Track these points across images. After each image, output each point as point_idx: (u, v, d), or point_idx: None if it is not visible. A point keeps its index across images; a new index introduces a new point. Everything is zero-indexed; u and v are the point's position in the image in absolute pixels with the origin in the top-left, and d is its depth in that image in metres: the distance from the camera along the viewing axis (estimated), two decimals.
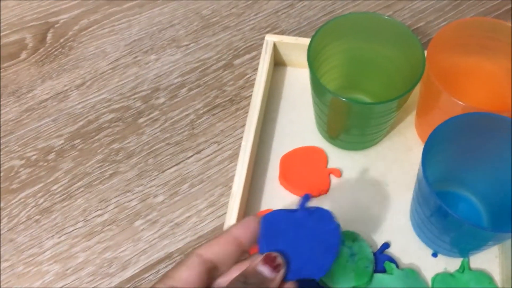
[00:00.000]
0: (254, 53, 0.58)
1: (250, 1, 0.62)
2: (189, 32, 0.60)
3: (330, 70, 0.50)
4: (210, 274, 0.32)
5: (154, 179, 0.51)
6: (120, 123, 0.54)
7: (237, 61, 0.58)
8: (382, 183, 0.49)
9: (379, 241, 0.46)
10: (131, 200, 0.50)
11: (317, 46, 0.46)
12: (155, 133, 0.53)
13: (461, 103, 0.40)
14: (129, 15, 0.62)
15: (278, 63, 0.56)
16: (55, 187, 0.51)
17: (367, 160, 0.50)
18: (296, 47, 0.53)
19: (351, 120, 0.46)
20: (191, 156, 0.52)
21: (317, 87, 0.44)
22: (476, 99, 0.50)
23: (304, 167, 0.50)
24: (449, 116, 0.40)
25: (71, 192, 0.50)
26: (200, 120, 0.54)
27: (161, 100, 0.56)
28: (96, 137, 0.53)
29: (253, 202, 0.48)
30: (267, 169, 0.50)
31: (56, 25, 0.62)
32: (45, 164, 0.52)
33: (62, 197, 0.50)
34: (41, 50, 0.60)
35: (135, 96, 0.56)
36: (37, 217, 0.49)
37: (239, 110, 0.55)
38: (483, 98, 0.49)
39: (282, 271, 0.31)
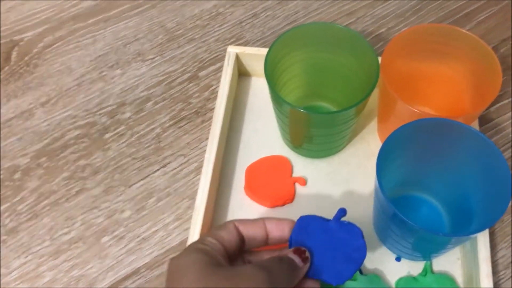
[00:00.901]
0: (219, 65, 0.59)
1: (214, 13, 0.63)
2: (154, 46, 0.61)
3: (291, 79, 0.51)
4: (241, 244, 0.37)
5: (121, 194, 0.51)
6: (86, 140, 0.54)
7: (202, 73, 0.58)
8: (346, 190, 0.50)
9: None
10: (98, 216, 0.50)
11: (275, 57, 0.47)
12: (121, 148, 0.54)
13: (415, 110, 0.41)
14: (94, 30, 0.62)
15: (242, 74, 0.57)
16: (21, 207, 0.50)
17: (331, 167, 0.51)
18: (258, 58, 0.54)
19: (312, 129, 0.47)
20: (158, 170, 0.52)
21: (276, 99, 0.44)
22: (435, 103, 0.51)
23: (269, 177, 0.50)
24: (405, 122, 0.41)
25: (37, 211, 0.50)
26: (166, 134, 0.54)
27: (127, 114, 0.56)
28: (62, 155, 0.53)
29: (219, 214, 0.49)
30: (233, 180, 0.51)
31: (21, 43, 0.61)
32: (11, 183, 0.52)
33: (28, 216, 0.50)
34: (6, 68, 0.60)
35: (101, 111, 0.56)
36: (4, 237, 0.49)
37: (204, 122, 0.55)
38: (441, 102, 0.50)
39: (308, 264, 0.36)
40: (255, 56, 0.54)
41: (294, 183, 0.50)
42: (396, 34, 0.45)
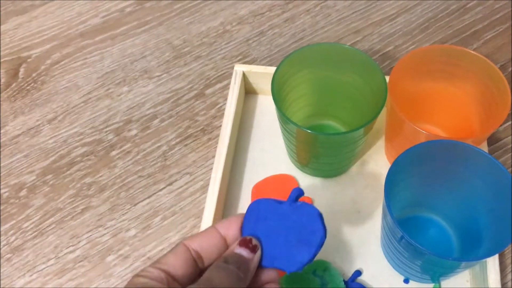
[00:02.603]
0: (225, 82, 0.59)
1: (221, 30, 0.63)
2: (161, 63, 0.61)
3: (298, 99, 0.51)
4: (196, 263, 0.34)
5: (126, 212, 0.51)
6: (92, 157, 0.54)
7: (208, 91, 0.58)
8: (353, 210, 0.49)
9: (351, 269, 0.46)
10: (103, 235, 0.49)
11: (283, 77, 0.47)
12: (127, 166, 0.53)
13: (422, 131, 0.41)
14: (101, 47, 0.62)
15: (249, 92, 0.57)
16: (26, 224, 0.50)
17: (338, 187, 0.51)
18: (265, 76, 0.54)
19: (319, 149, 0.46)
20: (164, 188, 0.52)
21: (283, 119, 0.44)
22: (443, 124, 0.51)
23: (276, 196, 0.49)
24: (413, 143, 0.41)
25: (43, 229, 0.50)
26: (172, 151, 0.54)
27: (134, 132, 0.56)
28: (68, 172, 0.53)
29: None
30: (239, 198, 0.50)
31: (29, 60, 0.62)
32: (17, 201, 0.52)
33: (34, 234, 0.50)
34: (14, 85, 0.60)
35: (108, 128, 0.56)
36: (9, 255, 0.49)
37: (211, 140, 0.55)
38: (450, 122, 0.50)
39: (259, 252, 0.33)
40: (262, 75, 0.54)
41: None
42: (404, 54, 0.45)
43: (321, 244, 0.33)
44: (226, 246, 0.35)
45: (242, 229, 0.35)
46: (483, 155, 0.39)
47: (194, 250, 0.34)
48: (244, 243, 0.33)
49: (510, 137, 0.53)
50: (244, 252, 0.33)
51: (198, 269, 0.34)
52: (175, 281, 0.32)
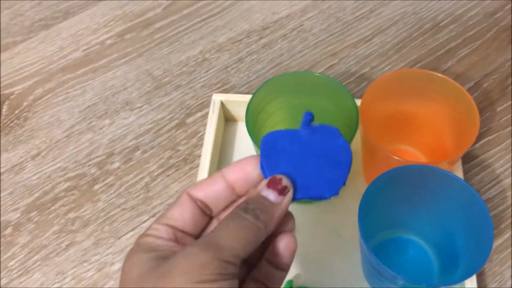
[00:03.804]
0: (205, 111, 0.59)
1: (200, 59, 0.64)
2: (142, 94, 0.62)
3: (277, 124, 0.52)
4: (204, 212, 0.31)
5: (111, 246, 0.51)
6: (76, 191, 0.55)
7: (189, 120, 0.59)
8: (334, 235, 0.50)
9: None
10: (88, 270, 0.50)
11: (258, 106, 0.48)
12: (110, 199, 0.54)
13: (395, 157, 0.42)
14: (82, 81, 0.63)
15: (229, 119, 0.58)
16: (12, 263, 0.51)
17: (318, 212, 0.51)
18: (243, 104, 0.54)
19: None
20: (147, 219, 0.53)
21: (257, 150, 0.45)
22: (418, 144, 0.51)
23: None
24: (387, 167, 0.41)
25: (28, 267, 0.50)
26: (155, 182, 0.55)
27: (116, 164, 0.56)
28: (52, 208, 0.54)
29: None
30: None
31: (12, 97, 0.63)
32: (2, 239, 0.52)
33: (19, 272, 0.50)
34: None
35: (90, 162, 0.57)
36: None
37: (193, 169, 0.55)
38: (424, 142, 0.51)
39: (289, 194, 0.30)
40: (240, 103, 0.55)
41: None
42: (380, 75, 0.46)
43: (351, 159, 0.31)
44: (234, 194, 0.31)
45: (262, 168, 0.30)
46: (454, 179, 0.40)
47: (199, 199, 0.31)
48: (273, 183, 0.29)
49: (486, 154, 0.54)
50: (271, 195, 0.29)
51: (206, 217, 0.31)
52: (185, 234, 0.30)
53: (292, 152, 0.31)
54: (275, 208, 0.29)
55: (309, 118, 0.32)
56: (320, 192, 0.31)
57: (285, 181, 0.29)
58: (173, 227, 0.29)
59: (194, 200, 0.30)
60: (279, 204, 0.29)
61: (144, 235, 0.29)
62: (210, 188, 0.31)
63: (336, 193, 0.31)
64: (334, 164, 0.31)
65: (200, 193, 0.31)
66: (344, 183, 0.31)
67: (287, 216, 0.31)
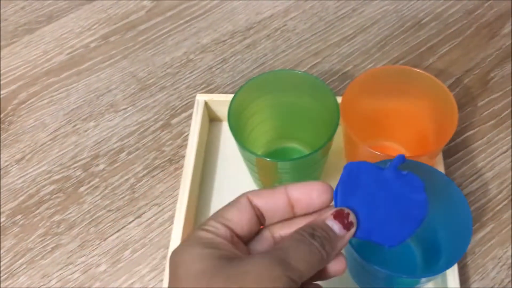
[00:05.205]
0: (190, 111, 0.60)
1: (185, 60, 0.64)
2: (127, 96, 0.62)
3: (261, 123, 0.52)
4: (259, 221, 0.31)
5: (96, 248, 0.51)
6: (61, 194, 0.55)
7: (174, 120, 0.59)
8: None
9: None
10: (74, 272, 0.50)
11: (240, 105, 0.48)
12: (96, 201, 0.54)
13: (376, 152, 0.42)
14: (67, 84, 0.63)
15: (213, 119, 0.58)
16: None
17: None
18: (227, 104, 0.54)
19: (281, 175, 0.47)
20: (133, 220, 0.53)
21: (242, 149, 0.45)
22: (400, 138, 0.52)
23: None
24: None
25: (13, 270, 0.50)
26: (140, 184, 0.55)
27: (101, 166, 0.56)
28: (37, 211, 0.54)
29: None
30: None
31: None
32: None
33: (5, 276, 0.50)
34: None
35: (75, 165, 0.57)
36: None
37: (178, 169, 0.56)
38: (406, 137, 0.52)
39: (352, 230, 0.29)
40: (224, 102, 0.55)
41: None
42: (359, 74, 0.46)
43: (424, 220, 0.30)
44: (291, 211, 0.31)
45: (336, 193, 0.30)
46: (434, 172, 0.41)
47: (256, 206, 0.30)
48: (340, 216, 0.29)
49: (468, 148, 0.55)
50: (336, 227, 0.29)
51: (259, 225, 0.31)
52: (239, 239, 0.30)
53: (369, 190, 0.30)
54: (338, 241, 0.29)
55: (400, 161, 0.31)
56: (381, 239, 0.30)
57: (352, 217, 0.29)
58: (230, 229, 0.29)
59: (253, 206, 0.30)
60: (342, 237, 0.29)
61: (202, 229, 0.29)
62: (271, 199, 0.31)
63: (396, 245, 0.30)
64: (405, 217, 0.30)
65: (261, 201, 0.30)
66: (408, 238, 0.30)
67: (339, 262, 0.31)
